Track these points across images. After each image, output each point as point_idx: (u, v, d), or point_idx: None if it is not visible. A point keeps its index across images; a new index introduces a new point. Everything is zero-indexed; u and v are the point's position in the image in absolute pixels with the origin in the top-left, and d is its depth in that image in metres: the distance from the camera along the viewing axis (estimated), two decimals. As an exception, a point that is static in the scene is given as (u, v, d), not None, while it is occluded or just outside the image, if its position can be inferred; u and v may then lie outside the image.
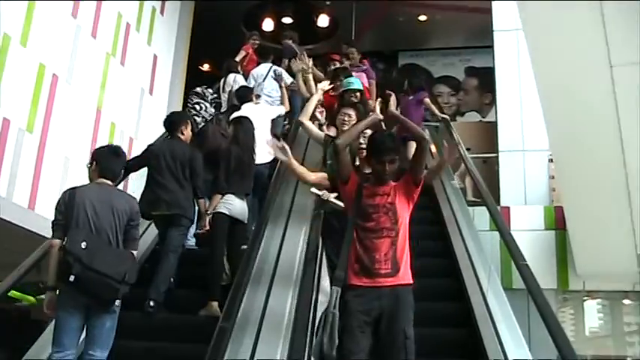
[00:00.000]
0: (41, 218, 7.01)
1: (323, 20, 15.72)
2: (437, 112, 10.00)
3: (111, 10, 8.93)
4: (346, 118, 5.62)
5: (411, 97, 9.36)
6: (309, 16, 15.56)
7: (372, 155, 4.30)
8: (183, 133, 6.23)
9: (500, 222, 6.34)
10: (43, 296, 12.20)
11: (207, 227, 6.17)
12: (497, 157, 10.79)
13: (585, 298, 10.69)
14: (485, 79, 15.12)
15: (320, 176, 5.19)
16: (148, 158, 6.09)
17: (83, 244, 4.37)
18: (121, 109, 9.24)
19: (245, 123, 6.67)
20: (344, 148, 4.31)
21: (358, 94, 6.61)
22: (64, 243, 4.47)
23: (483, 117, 16.16)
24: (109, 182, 4.82)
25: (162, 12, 10.90)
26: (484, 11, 11.90)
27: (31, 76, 7.10)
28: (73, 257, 4.31)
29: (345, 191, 4.35)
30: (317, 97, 6.42)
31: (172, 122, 6.34)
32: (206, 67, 16.78)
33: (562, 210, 9.13)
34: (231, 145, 6.47)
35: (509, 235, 5.79)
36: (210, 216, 6.16)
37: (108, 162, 4.87)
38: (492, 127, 11.61)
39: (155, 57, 10.57)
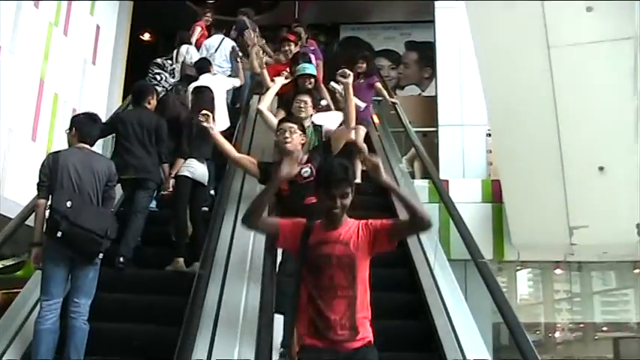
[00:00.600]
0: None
1: (265, -8, 16.08)
2: (387, 97, 10.46)
3: (53, -21, 9.26)
4: (302, 105, 5.80)
5: (362, 81, 9.51)
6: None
7: (319, 187, 3.67)
8: (149, 103, 6.84)
9: (454, 213, 6.52)
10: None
11: (171, 189, 6.81)
12: (436, 131, 11.58)
13: (518, 267, 11.66)
14: (426, 53, 15.91)
15: (247, 158, 5.33)
16: (116, 126, 6.68)
17: (68, 203, 4.99)
18: (64, 79, 9.66)
19: (206, 93, 7.33)
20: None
21: (312, 80, 6.79)
22: (49, 203, 5.09)
23: (423, 91, 16.96)
24: (87, 146, 5.42)
25: (104, -18, 11.22)
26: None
27: (-27, 46, 7.41)
28: (60, 215, 4.93)
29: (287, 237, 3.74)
30: (276, 87, 6.49)
31: (140, 92, 6.94)
32: (147, 36, 17.02)
33: (499, 183, 9.97)
34: (193, 113, 7.04)
35: (463, 224, 6.17)
36: (174, 179, 6.80)
37: (86, 128, 5.46)
38: (432, 101, 12.37)
39: (98, 27, 11.01)
